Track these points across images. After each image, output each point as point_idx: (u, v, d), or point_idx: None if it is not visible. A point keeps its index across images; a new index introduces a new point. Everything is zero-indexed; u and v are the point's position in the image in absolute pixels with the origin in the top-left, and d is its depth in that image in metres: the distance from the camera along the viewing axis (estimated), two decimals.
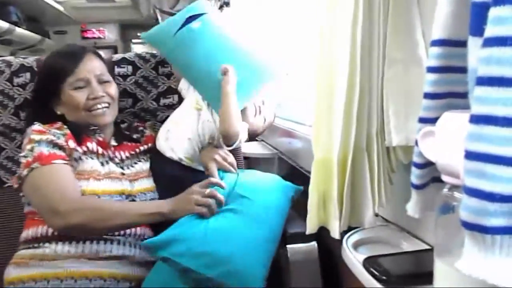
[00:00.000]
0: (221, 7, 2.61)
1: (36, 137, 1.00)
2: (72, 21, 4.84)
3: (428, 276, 0.54)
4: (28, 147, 0.99)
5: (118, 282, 0.96)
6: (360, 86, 0.64)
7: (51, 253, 0.95)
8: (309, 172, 1.10)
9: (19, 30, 3.61)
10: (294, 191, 1.09)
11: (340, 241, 0.75)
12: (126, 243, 1.00)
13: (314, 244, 0.99)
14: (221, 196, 0.95)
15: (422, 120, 0.51)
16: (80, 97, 1.04)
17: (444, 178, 0.48)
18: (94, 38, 5.25)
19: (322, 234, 0.82)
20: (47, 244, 0.96)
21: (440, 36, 0.48)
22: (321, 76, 0.69)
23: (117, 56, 1.30)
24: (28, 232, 0.99)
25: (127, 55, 1.32)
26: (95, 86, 1.06)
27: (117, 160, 1.11)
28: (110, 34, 5.39)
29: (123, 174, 1.08)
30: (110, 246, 0.98)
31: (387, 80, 0.65)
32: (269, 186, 1.06)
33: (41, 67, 1.14)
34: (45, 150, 0.98)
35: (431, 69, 0.49)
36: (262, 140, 1.84)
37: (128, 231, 1.01)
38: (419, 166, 0.52)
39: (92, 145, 1.06)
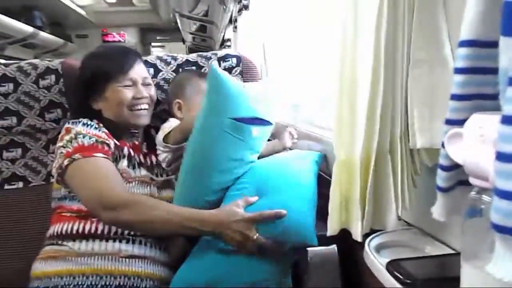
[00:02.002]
0: (240, 11, 2.64)
1: (77, 128, 1.03)
2: (94, 25, 4.95)
3: (454, 281, 0.53)
4: (67, 137, 1.02)
5: (142, 280, 0.97)
6: (384, 87, 0.64)
7: (75, 250, 0.96)
8: (329, 175, 1.10)
9: (42, 34, 3.71)
10: (317, 156, 1.09)
11: (361, 244, 0.74)
12: (148, 243, 1.01)
13: (334, 247, 0.98)
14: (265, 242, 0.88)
15: (449, 122, 0.50)
16: (127, 94, 1.10)
17: (472, 180, 0.47)
18: (115, 41, 5.35)
19: (342, 237, 0.82)
20: (71, 242, 0.98)
21: (468, 36, 0.47)
22: (343, 77, 0.69)
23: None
24: (54, 228, 1.02)
25: (148, 58, 1.34)
26: (140, 87, 1.12)
27: (147, 165, 1.13)
28: (130, 38, 5.48)
29: (152, 179, 1.11)
30: (131, 245, 0.99)
31: (412, 80, 0.65)
32: (291, 160, 1.06)
33: (87, 64, 1.15)
34: (86, 142, 1.00)
35: (459, 70, 0.49)
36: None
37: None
38: (445, 168, 0.51)
39: (125, 148, 1.09)
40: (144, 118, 1.13)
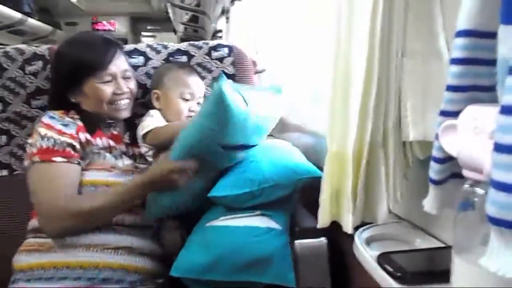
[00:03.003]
0: (233, 1, 2.61)
1: (43, 131, 1.00)
2: (84, 13, 4.86)
3: (444, 274, 0.53)
4: (35, 135, 1.00)
5: (128, 273, 0.96)
6: (377, 79, 0.63)
7: (61, 242, 0.95)
8: (320, 168, 1.09)
9: (31, 21, 3.62)
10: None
11: (350, 237, 0.74)
12: (135, 234, 1.00)
13: (323, 239, 0.98)
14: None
15: (444, 114, 0.49)
16: (107, 91, 1.06)
17: (466, 173, 0.46)
18: (105, 30, 5.26)
19: (331, 230, 0.81)
20: None
21: (466, 26, 0.46)
22: (337, 68, 0.68)
23: (129, 47, 1.30)
24: (35, 222, 1.00)
25: (138, 46, 1.31)
26: (121, 81, 1.08)
27: (129, 155, 1.12)
28: (120, 27, 5.40)
29: (136, 167, 1.09)
30: (119, 236, 0.97)
31: (406, 72, 0.64)
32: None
33: (64, 55, 1.11)
34: (45, 144, 0.98)
35: (455, 61, 0.48)
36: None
37: (136, 221, 1.01)
38: (438, 160, 0.51)
39: (103, 140, 1.07)
40: (124, 112, 1.10)
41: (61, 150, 0.98)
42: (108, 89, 1.06)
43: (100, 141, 1.06)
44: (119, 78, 1.08)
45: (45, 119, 1.03)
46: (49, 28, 4.24)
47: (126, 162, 1.09)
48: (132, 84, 1.13)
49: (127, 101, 1.10)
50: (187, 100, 1.16)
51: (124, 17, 5.34)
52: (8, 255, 1.00)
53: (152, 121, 1.13)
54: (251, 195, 0.96)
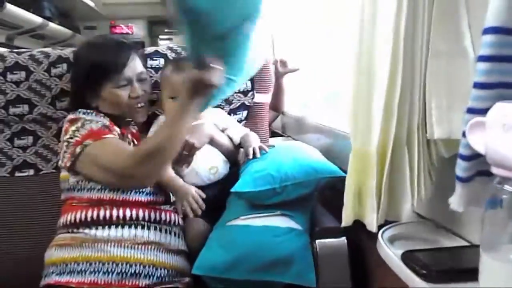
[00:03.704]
0: None
1: (82, 120, 1.03)
2: (102, 17, 4.94)
3: (471, 273, 0.53)
4: (73, 128, 1.02)
5: (157, 269, 0.97)
6: (402, 77, 0.63)
7: (92, 237, 0.97)
8: (340, 168, 1.09)
9: (51, 25, 3.69)
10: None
11: (372, 236, 0.74)
12: (162, 229, 1.02)
13: (343, 239, 0.98)
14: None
15: (471, 111, 0.49)
16: (123, 96, 1.08)
17: (495, 170, 0.46)
18: (123, 33, 5.34)
19: (350, 230, 0.81)
20: (87, 230, 0.98)
21: (494, 23, 0.46)
22: (359, 66, 0.68)
23: (150, 49, 1.33)
24: (66, 217, 1.02)
25: (159, 48, 1.33)
26: (136, 85, 1.10)
27: None
28: (138, 30, 5.46)
29: None
30: (147, 231, 1.00)
31: (430, 71, 0.64)
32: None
33: (81, 60, 1.14)
34: (94, 126, 1.02)
35: (482, 58, 0.48)
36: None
37: (163, 217, 1.03)
38: (465, 158, 0.51)
39: (128, 135, 1.11)
40: (141, 115, 1.13)
41: (107, 131, 1.02)
42: (124, 94, 1.08)
43: (127, 135, 1.10)
44: (134, 81, 1.10)
45: (79, 114, 1.06)
46: (69, 32, 4.32)
47: None
48: (147, 87, 1.15)
49: (142, 104, 1.12)
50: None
51: (141, 20, 5.41)
52: (36, 253, 1.03)
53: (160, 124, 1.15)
54: (273, 192, 0.97)
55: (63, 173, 1.06)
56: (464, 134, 0.49)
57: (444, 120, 0.62)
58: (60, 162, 1.05)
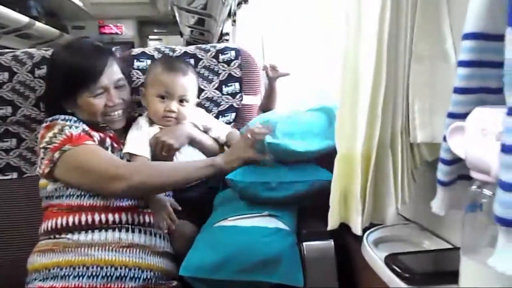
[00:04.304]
0: (239, 4, 2.62)
1: (60, 126, 1.01)
2: (90, 16, 4.90)
3: (452, 275, 0.53)
4: (50, 134, 1.00)
5: (143, 271, 0.97)
6: (386, 81, 0.63)
7: (75, 241, 0.96)
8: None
9: (38, 25, 3.66)
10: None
11: (358, 239, 0.74)
12: (147, 232, 1.01)
13: (330, 241, 0.98)
14: (266, 130, 0.98)
15: (451, 116, 0.50)
16: (99, 105, 1.06)
17: (474, 174, 0.46)
18: (112, 33, 5.30)
19: (338, 232, 0.81)
20: (69, 235, 0.97)
21: (473, 29, 0.47)
22: (346, 70, 0.68)
23: (137, 50, 1.31)
24: (47, 224, 1.00)
25: (146, 49, 1.32)
26: (112, 93, 1.07)
27: (127, 157, 1.11)
28: (127, 30, 5.43)
29: None
30: (131, 234, 0.99)
31: (413, 75, 0.64)
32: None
33: (57, 64, 1.10)
34: (74, 131, 1.00)
35: (462, 63, 0.48)
36: None
37: (147, 220, 1.02)
38: (446, 162, 0.51)
39: (107, 139, 1.08)
40: (118, 123, 1.11)
41: (88, 137, 1.00)
42: (100, 103, 1.06)
43: (106, 138, 1.07)
44: (111, 89, 1.07)
45: (57, 120, 1.03)
46: (56, 32, 4.28)
47: None
48: (126, 94, 1.12)
49: (120, 112, 1.10)
50: (163, 98, 1.14)
51: (131, 20, 5.37)
52: (21, 258, 1.01)
53: (134, 139, 1.12)
54: (267, 187, 0.97)
55: (42, 181, 1.04)
56: (445, 139, 0.50)
57: (427, 124, 0.63)
58: (38, 169, 1.02)
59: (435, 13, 0.64)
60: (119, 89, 1.10)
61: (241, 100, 1.35)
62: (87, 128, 1.04)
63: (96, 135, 1.04)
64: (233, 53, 1.35)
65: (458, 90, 0.49)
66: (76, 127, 1.01)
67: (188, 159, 1.14)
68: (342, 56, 0.68)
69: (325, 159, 1.10)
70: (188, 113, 1.17)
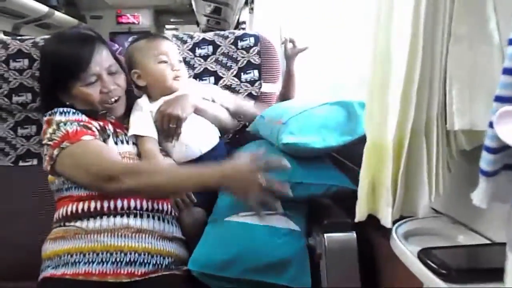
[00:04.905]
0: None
1: (59, 121, 0.99)
2: (108, 6, 4.92)
3: (494, 273, 0.49)
4: (50, 130, 0.98)
5: (152, 256, 0.96)
6: (421, 64, 0.59)
7: (84, 228, 0.95)
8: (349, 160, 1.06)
9: (58, 14, 3.69)
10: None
11: (383, 232, 0.70)
12: (155, 217, 1.00)
13: (352, 233, 0.95)
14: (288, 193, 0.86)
15: (500, 99, 0.45)
16: (94, 93, 1.03)
17: None
18: (129, 23, 5.31)
19: (359, 224, 0.78)
20: (78, 222, 0.97)
21: None
22: (376, 52, 0.64)
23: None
24: (59, 212, 1.01)
25: (207, 35, 1.31)
26: (106, 79, 1.04)
27: (132, 140, 1.09)
28: (144, 20, 5.43)
29: (138, 155, 1.07)
30: (140, 220, 0.98)
31: (452, 58, 0.60)
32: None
33: (45, 57, 1.08)
34: (69, 128, 0.97)
35: None
36: None
37: (155, 206, 1.01)
38: (492, 151, 0.47)
39: (109, 125, 1.06)
40: (117, 109, 1.08)
41: (85, 131, 0.98)
42: (94, 91, 1.03)
43: (107, 126, 1.05)
44: (104, 76, 1.04)
45: (54, 115, 1.01)
46: (75, 21, 4.31)
47: (129, 148, 1.07)
48: (121, 79, 1.09)
49: (116, 98, 1.07)
50: (165, 62, 1.13)
51: (147, 10, 5.37)
52: (40, 243, 1.01)
53: (137, 120, 1.10)
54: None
55: (49, 176, 1.03)
56: (491, 125, 0.46)
57: (466, 110, 0.58)
58: (44, 164, 1.01)
59: None
60: (112, 75, 1.07)
61: (260, 87, 1.32)
62: (85, 120, 1.01)
63: (96, 124, 1.02)
64: (252, 39, 1.32)
65: (507, 71, 0.45)
66: (72, 123, 0.98)
67: (195, 128, 1.12)
68: (372, 36, 0.64)
69: (345, 152, 1.07)
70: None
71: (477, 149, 0.55)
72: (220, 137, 1.18)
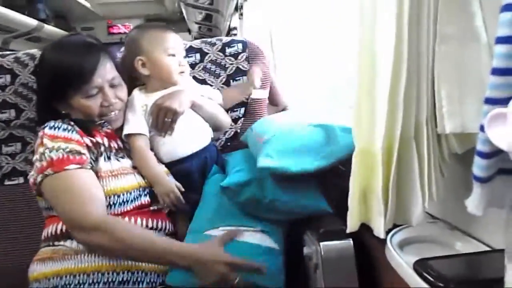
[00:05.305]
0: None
1: (49, 143, 0.94)
2: (99, 17, 4.89)
3: (493, 283, 0.47)
4: (40, 150, 0.95)
5: (147, 274, 0.93)
6: (407, 66, 0.57)
7: (73, 248, 0.92)
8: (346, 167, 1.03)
9: (47, 27, 3.66)
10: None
11: (380, 240, 0.68)
12: None
13: (349, 241, 0.92)
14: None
15: (490, 101, 0.43)
16: (94, 105, 1.00)
17: None
18: (120, 33, 5.28)
19: (357, 231, 0.76)
20: (68, 241, 0.93)
21: None
22: (362, 55, 0.62)
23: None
24: (47, 230, 0.97)
25: (194, 43, 1.29)
26: (108, 92, 1.01)
27: (127, 152, 1.06)
28: None
29: (134, 167, 1.04)
30: None
31: (439, 58, 0.57)
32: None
33: (45, 65, 1.04)
34: (54, 155, 0.93)
35: (501, 40, 0.41)
36: None
37: (150, 224, 0.98)
38: (484, 155, 0.44)
39: (102, 139, 1.01)
40: (116, 122, 1.05)
41: (71, 158, 0.93)
42: (94, 104, 1.00)
43: (101, 140, 1.01)
44: (106, 88, 1.00)
45: (48, 131, 0.97)
46: (65, 34, 4.27)
47: (124, 163, 1.03)
48: (123, 92, 1.05)
49: (116, 112, 1.04)
50: (173, 56, 1.11)
51: (139, 19, 5.35)
52: (26, 264, 0.98)
53: (130, 120, 1.07)
54: (257, 203, 0.93)
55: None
56: (482, 128, 0.43)
57: (456, 112, 0.56)
58: (30, 181, 0.97)
59: None
60: (114, 88, 1.03)
61: (250, 94, 1.30)
62: (75, 139, 0.96)
63: (88, 141, 0.98)
64: (240, 45, 1.29)
65: (496, 71, 0.42)
66: (57, 150, 0.93)
67: (189, 126, 1.10)
68: (357, 39, 0.62)
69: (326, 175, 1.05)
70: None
71: (472, 151, 0.53)
72: (212, 138, 1.17)
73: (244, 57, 1.29)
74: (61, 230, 0.94)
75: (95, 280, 0.89)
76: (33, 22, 3.34)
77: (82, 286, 0.89)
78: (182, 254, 0.88)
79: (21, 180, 1.21)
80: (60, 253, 0.93)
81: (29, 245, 1.12)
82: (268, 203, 0.90)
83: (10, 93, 1.19)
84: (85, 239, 0.88)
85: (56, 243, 0.94)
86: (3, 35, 3.32)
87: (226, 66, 1.28)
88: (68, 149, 0.94)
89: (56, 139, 0.95)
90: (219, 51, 1.29)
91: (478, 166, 0.45)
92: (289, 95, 1.72)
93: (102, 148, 1.00)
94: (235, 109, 1.29)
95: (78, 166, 0.93)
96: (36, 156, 0.95)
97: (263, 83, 1.33)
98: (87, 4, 4.24)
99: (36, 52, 1.21)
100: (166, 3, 4.55)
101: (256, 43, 1.33)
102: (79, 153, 0.95)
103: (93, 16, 4.79)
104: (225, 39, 1.32)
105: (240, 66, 1.29)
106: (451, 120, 0.57)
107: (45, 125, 0.98)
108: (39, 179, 0.93)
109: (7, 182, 1.21)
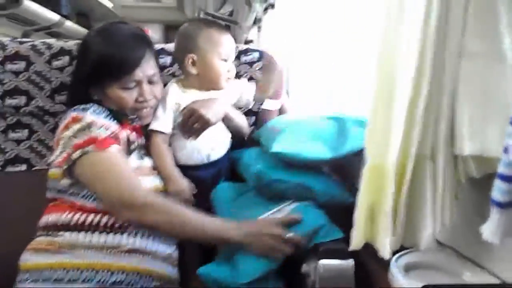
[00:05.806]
0: (266, 9, 2.57)
1: (88, 117, 0.93)
2: (119, 18, 4.97)
3: None
4: (77, 126, 0.92)
5: (141, 277, 0.90)
6: (429, 82, 0.55)
7: (72, 242, 0.90)
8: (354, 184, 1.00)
9: (68, 24, 3.71)
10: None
11: (383, 261, 0.64)
12: (150, 236, 0.94)
13: (350, 261, 0.89)
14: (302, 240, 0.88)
15: None
16: (129, 98, 0.99)
17: None
18: None
19: (358, 251, 0.73)
20: (67, 233, 0.91)
21: None
22: (381, 69, 0.60)
23: (157, 46, 1.26)
24: (48, 218, 0.95)
25: (166, 46, 1.29)
26: (145, 87, 1.00)
27: (148, 150, 1.06)
28: (154, 34, 5.45)
29: (154, 168, 1.03)
30: (133, 239, 0.92)
31: (463, 76, 0.55)
32: None
33: (88, 50, 1.02)
34: (103, 133, 0.92)
35: None
36: None
37: None
38: (506, 178, 0.42)
39: (131, 133, 1.01)
40: (146, 119, 1.04)
41: (114, 140, 0.93)
42: (129, 96, 0.99)
43: (128, 133, 1.01)
44: (144, 84, 1.00)
45: (85, 112, 0.95)
46: (85, 31, 4.32)
47: (145, 162, 1.02)
48: (158, 90, 1.05)
49: (149, 108, 1.03)
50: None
51: (157, 24, 5.41)
52: (20, 253, 0.95)
53: (156, 116, 1.06)
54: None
55: (54, 171, 0.97)
56: (506, 150, 0.41)
57: (478, 133, 0.53)
58: (52, 158, 0.95)
59: (491, 7, 0.54)
60: (152, 85, 1.02)
61: (261, 104, 1.28)
62: (115, 128, 0.96)
63: (124, 136, 0.97)
64: (256, 54, 1.29)
65: None
66: (106, 129, 0.93)
67: (213, 132, 1.08)
68: (378, 51, 0.60)
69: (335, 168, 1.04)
70: None
71: (487, 176, 0.50)
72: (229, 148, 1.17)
73: (259, 66, 1.28)
74: (64, 221, 0.92)
75: (87, 278, 0.87)
76: (55, 17, 3.39)
77: (73, 283, 0.86)
78: (234, 229, 0.86)
79: (24, 167, 1.20)
80: (55, 245, 0.90)
81: (29, 234, 1.10)
82: (296, 186, 0.90)
83: (23, 79, 1.18)
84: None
85: (54, 233, 0.92)
86: (24, 27, 3.37)
87: (240, 73, 1.27)
88: (110, 132, 0.93)
89: (97, 122, 0.94)
90: (235, 58, 1.28)
91: (499, 190, 0.43)
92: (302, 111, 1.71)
93: (134, 145, 1.00)
94: (247, 117, 1.28)
95: (119, 148, 0.93)
96: (70, 132, 0.91)
97: (275, 94, 1.32)
98: (110, 5, 4.31)
99: (53, 41, 1.21)
100: (186, 10, 4.61)
101: (272, 54, 1.33)
102: (119, 139, 0.95)
103: (113, 17, 4.86)
104: (241, 46, 1.32)
105: (254, 75, 1.28)
106: (471, 141, 0.54)
107: (87, 106, 0.96)
108: (77, 154, 0.89)
109: (9, 169, 1.19)
